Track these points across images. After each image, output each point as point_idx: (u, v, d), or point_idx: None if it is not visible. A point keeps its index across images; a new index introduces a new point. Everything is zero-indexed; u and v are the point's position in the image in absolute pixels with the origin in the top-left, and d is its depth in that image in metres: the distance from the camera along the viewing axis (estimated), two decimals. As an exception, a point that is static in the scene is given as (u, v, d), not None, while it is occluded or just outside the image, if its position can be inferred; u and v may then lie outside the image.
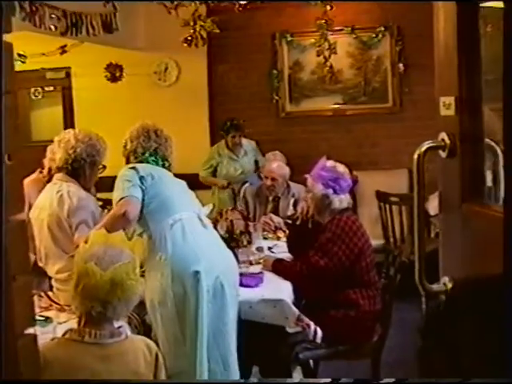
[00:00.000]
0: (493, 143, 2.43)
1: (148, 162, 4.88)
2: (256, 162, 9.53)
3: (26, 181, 5.43)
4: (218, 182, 9.25)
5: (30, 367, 2.00)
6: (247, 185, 8.28)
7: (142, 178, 4.63)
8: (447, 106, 2.39)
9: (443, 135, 2.39)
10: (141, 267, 3.57)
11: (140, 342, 3.49)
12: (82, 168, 4.89)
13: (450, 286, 2.39)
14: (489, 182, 2.41)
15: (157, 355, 3.47)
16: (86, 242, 3.60)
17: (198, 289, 4.48)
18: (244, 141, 9.37)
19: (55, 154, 4.97)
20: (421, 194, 2.44)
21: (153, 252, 4.56)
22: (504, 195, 1.54)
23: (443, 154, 2.39)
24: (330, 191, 5.33)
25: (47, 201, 4.80)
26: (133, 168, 4.72)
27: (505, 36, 1.57)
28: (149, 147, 4.91)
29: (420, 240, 2.50)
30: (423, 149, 2.39)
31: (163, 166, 4.95)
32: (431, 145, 2.42)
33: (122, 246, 3.43)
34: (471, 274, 2.28)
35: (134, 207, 4.51)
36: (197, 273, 4.48)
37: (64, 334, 3.39)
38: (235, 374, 4.71)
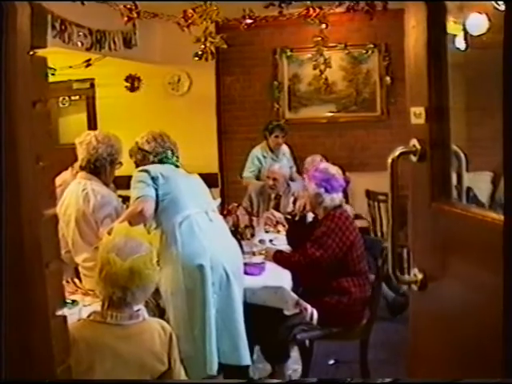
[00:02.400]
0: (457, 149, 2.45)
1: (168, 159, 4.91)
2: (290, 167, 8.79)
3: (65, 177, 5.48)
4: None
5: (61, 344, 2.01)
6: (252, 184, 8.27)
7: (153, 179, 4.63)
8: (417, 115, 2.39)
9: (414, 141, 2.39)
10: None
11: (156, 324, 3.50)
12: (103, 166, 4.91)
13: (419, 276, 2.40)
14: (454, 183, 2.42)
15: (171, 335, 3.48)
16: (109, 234, 3.62)
17: (203, 282, 4.49)
18: (283, 145, 9.03)
19: (78, 155, 5.00)
20: (395, 193, 2.46)
21: (165, 247, 4.55)
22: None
23: (414, 159, 2.40)
24: (322, 190, 5.36)
25: (73, 197, 4.80)
26: (144, 170, 4.71)
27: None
28: (167, 147, 4.94)
29: (393, 236, 2.51)
30: (396, 153, 2.40)
31: (178, 163, 4.99)
32: (403, 150, 2.42)
33: (142, 239, 3.44)
34: (440, 265, 2.30)
35: (149, 205, 4.51)
36: (201, 267, 4.48)
37: (89, 316, 3.42)
38: (245, 356, 4.68)
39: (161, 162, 4.91)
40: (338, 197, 5.44)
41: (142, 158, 4.98)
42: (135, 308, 3.41)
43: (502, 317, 1.65)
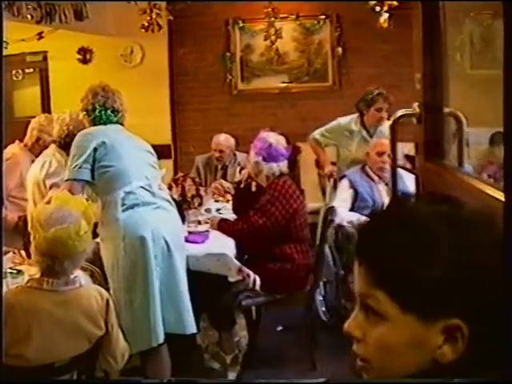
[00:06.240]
0: (458, 112, 2.56)
1: (100, 118, 4.70)
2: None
3: (14, 151, 5.61)
4: (325, 166, 7.14)
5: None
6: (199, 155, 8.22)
7: (95, 150, 4.48)
8: (419, 81, 2.53)
9: (415, 105, 2.54)
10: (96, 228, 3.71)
11: (93, 290, 3.62)
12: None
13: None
14: (454, 145, 2.54)
15: (107, 300, 3.60)
16: (48, 203, 3.73)
17: (145, 255, 4.44)
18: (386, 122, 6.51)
19: (52, 129, 5.36)
20: (395, 154, 2.60)
21: (106, 220, 4.48)
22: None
23: (415, 121, 2.54)
24: (260, 159, 5.44)
25: (34, 166, 5.15)
26: (87, 136, 4.59)
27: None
28: (97, 102, 4.70)
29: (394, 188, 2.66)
30: (397, 115, 2.54)
31: (114, 117, 4.76)
32: (404, 112, 2.56)
33: (73, 209, 3.51)
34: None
35: (76, 191, 4.37)
36: (143, 239, 4.42)
37: (27, 283, 3.53)
38: (190, 325, 4.67)
39: (97, 123, 4.73)
40: (277, 166, 5.47)
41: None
42: (71, 275, 3.53)
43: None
